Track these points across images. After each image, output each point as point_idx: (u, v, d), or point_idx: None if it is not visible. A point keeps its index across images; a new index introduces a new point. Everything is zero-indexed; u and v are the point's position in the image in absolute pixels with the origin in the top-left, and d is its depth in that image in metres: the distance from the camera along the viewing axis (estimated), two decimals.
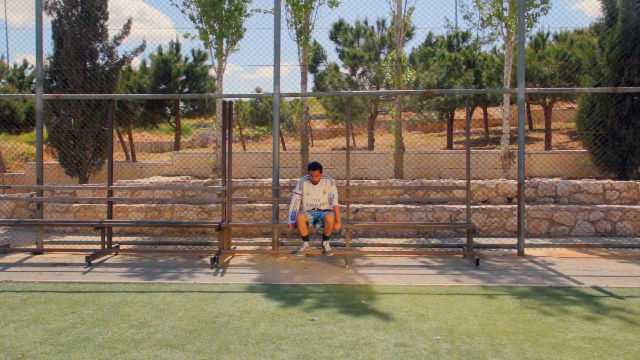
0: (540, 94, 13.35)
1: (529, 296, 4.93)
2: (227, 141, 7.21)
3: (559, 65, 13.36)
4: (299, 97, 10.45)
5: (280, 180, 9.58)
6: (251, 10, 10.82)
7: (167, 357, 3.48)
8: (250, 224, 8.44)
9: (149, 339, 3.81)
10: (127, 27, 11.93)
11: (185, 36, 11.12)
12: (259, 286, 5.36)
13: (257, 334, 3.91)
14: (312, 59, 15.16)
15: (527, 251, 7.12)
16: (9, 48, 30.50)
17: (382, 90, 14.51)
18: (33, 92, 9.00)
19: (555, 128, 16.89)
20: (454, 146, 15.50)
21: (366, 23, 16.10)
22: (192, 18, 10.73)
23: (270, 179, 10.01)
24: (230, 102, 7.36)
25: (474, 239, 7.29)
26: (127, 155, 15.96)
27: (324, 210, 6.50)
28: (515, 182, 8.89)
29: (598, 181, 9.01)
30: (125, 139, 15.93)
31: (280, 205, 8.17)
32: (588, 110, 10.67)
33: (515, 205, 8.29)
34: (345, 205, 7.26)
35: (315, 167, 6.42)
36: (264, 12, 10.65)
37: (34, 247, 7.42)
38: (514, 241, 7.42)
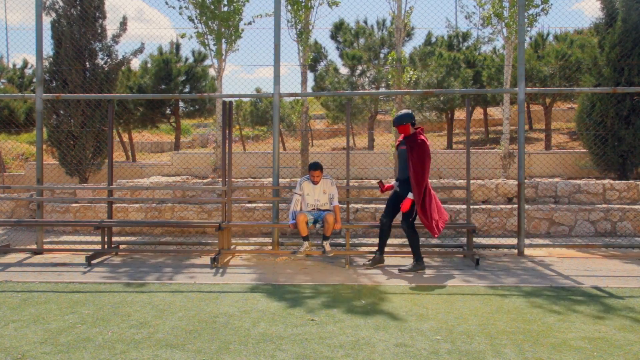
0: (540, 94, 13.34)
1: (529, 296, 4.93)
2: (227, 141, 7.21)
3: (559, 65, 13.35)
4: (299, 97, 10.44)
5: (280, 180, 9.58)
6: (252, 17, 10.84)
7: (167, 357, 3.48)
8: (250, 224, 8.43)
9: (149, 339, 3.81)
10: (123, 25, 11.92)
11: (182, 36, 11.16)
12: (259, 286, 5.36)
13: (257, 334, 3.91)
14: (313, 59, 15.16)
15: (527, 251, 7.12)
16: (8, 48, 30.53)
17: (382, 90, 14.52)
18: (33, 92, 8.98)
19: (555, 128, 16.89)
20: (454, 146, 15.49)
21: (366, 23, 16.12)
22: (190, 19, 10.73)
23: (270, 179, 10.01)
24: (230, 102, 7.36)
25: (474, 239, 7.29)
26: (127, 155, 15.96)
27: (324, 210, 6.50)
28: (515, 182, 8.89)
29: (598, 181, 9.01)
30: (125, 139, 15.93)
31: (280, 205, 8.17)
32: (588, 110, 10.66)
33: (515, 205, 8.29)
34: (345, 205, 7.26)
35: (315, 167, 6.41)
36: (266, 15, 10.65)
37: (34, 247, 7.42)
38: (514, 241, 7.42)
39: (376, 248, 6.42)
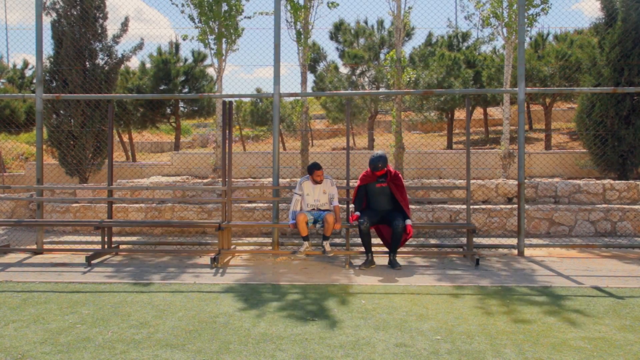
0: (540, 94, 13.34)
1: (529, 296, 4.93)
2: (227, 141, 7.21)
3: (559, 65, 13.35)
4: (299, 97, 10.43)
5: (280, 180, 9.58)
6: (253, 13, 10.84)
7: (167, 357, 3.48)
8: (250, 224, 8.43)
9: (149, 339, 3.81)
10: (124, 25, 11.92)
11: (184, 38, 11.16)
12: (259, 286, 5.36)
13: (257, 334, 3.91)
14: (312, 59, 15.16)
15: (527, 251, 7.11)
16: (8, 48, 30.53)
17: (382, 90, 14.52)
18: (33, 92, 8.99)
19: (555, 128, 16.89)
20: (454, 146, 15.49)
21: (366, 23, 16.12)
22: (191, 18, 10.73)
23: (270, 179, 10.01)
24: (230, 102, 7.36)
25: (474, 239, 7.29)
26: (127, 155, 15.96)
27: (324, 210, 6.51)
28: (515, 182, 8.89)
29: (598, 181, 9.01)
30: (125, 139, 15.94)
31: (280, 205, 8.17)
32: (588, 110, 10.66)
33: (515, 205, 8.29)
34: (345, 205, 7.26)
35: (318, 167, 6.47)
36: (266, 14, 10.65)
37: (34, 247, 7.42)
38: (514, 241, 7.42)
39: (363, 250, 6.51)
